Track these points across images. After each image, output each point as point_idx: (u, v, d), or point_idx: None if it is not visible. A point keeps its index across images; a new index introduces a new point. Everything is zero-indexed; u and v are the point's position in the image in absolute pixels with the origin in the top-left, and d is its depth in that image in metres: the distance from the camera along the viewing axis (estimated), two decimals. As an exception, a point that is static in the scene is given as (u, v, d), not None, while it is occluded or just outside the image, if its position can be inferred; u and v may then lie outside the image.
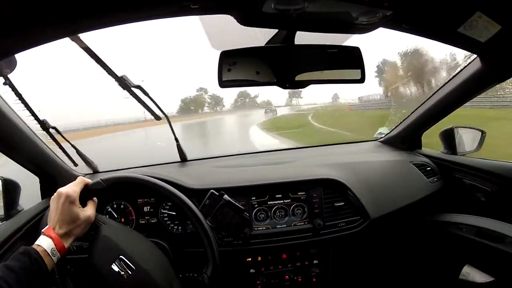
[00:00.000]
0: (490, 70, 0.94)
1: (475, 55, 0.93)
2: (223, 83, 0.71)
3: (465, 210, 1.20)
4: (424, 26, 0.74)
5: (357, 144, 1.43)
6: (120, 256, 0.66)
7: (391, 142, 1.33)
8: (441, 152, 1.26)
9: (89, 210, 0.67)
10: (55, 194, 0.66)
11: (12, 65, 0.84)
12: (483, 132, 1.28)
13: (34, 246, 0.60)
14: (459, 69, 1.07)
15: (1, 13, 0.45)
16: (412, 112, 1.23)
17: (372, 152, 1.31)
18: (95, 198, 0.72)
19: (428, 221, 1.17)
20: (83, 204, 0.68)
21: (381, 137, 1.39)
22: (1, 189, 0.95)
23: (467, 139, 1.28)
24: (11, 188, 0.96)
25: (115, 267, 0.65)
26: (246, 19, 0.61)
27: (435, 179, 1.17)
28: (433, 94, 1.18)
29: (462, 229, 1.19)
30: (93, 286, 0.66)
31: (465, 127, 1.29)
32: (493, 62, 0.90)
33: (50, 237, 0.61)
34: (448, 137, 1.24)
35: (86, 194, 0.69)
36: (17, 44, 0.55)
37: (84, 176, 1.15)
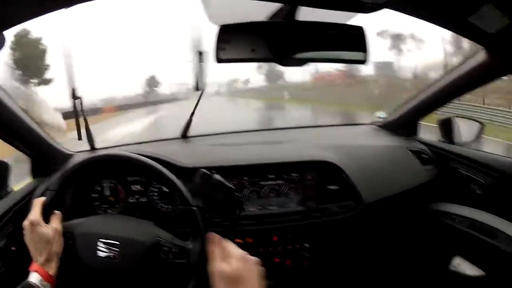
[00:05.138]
0: (495, 63, 0.92)
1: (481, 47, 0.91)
2: (219, 59, 0.68)
3: (459, 201, 1.19)
4: (434, 11, 0.71)
5: (354, 127, 1.41)
6: (100, 240, 0.66)
7: (389, 127, 1.31)
8: (439, 141, 1.24)
9: (54, 223, 0.69)
10: (24, 231, 0.68)
11: (1, 42, 0.80)
12: (481, 124, 1.26)
13: (28, 282, 0.63)
14: (463, 59, 1.05)
15: None
16: (412, 98, 1.21)
17: (369, 136, 1.29)
18: (56, 212, 0.72)
19: (421, 209, 1.15)
20: (48, 221, 0.69)
21: (379, 121, 1.37)
22: None
23: (465, 130, 1.26)
24: (1, 169, 0.92)
25: (101, 254, 0.65)
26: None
27: (431, 167, 1.16)
28: (435, 82, 1.16)
29: (455, 220, 1.18)
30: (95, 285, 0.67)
31: (464, 118, 1.27)
32: (498, 55, 0.88)
33: (36, 271, 0.64)
34: (447, 126, 1.22)
35: (46, 212, 0.70)
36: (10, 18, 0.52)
37: (78, 152, 1.13)
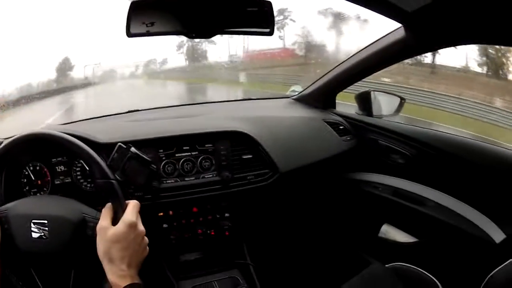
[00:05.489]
0: (413, 41, 0.97)
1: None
2: (130, 34, 0.70)
3: (381, 171, 1.25)
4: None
5: (269, 101, 1.46)
6: (32, 221, 0.66)
7: (305, 100, 1.36)
8: (356, 113, 1.31)
9: None
10: None
11: None
12: (402, 99, 1.34)
13: None
14: (382, 34, 1.09)
15: None
16: (328, 72, 1.26)
17: (285, 108, 1.34)
18: None
19: (342, 178, 1.21)
20: None
21: (294, 95, 1.42)
22: None
23: (384, 104, 1.33)
24: None
25: (35, 234, 0.65)
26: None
27: (348, 138, 1.22)
28: (352, 56, 1.21)
29: (378, 188, 1.24)
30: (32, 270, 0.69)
31: (383, 92, 1.35)
32: (417, 33, 0.93)
33: None
34: (364, 99, 1.29)
35: None
36: None
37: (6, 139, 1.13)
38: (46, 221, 0.66)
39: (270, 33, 0.75)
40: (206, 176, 1.02)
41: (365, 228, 1.29)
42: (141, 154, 0.90)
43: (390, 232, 1.28)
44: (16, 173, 1.02)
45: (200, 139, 1.02)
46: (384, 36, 1.08)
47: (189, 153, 1.02)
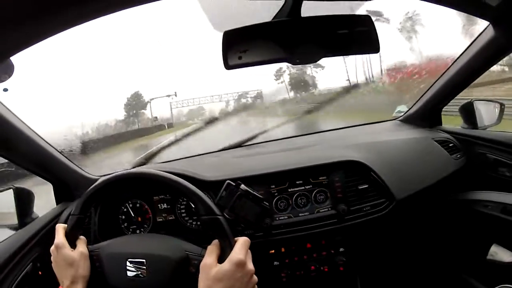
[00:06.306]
0: (504, 37, 0.88)
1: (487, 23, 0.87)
2: (229, 66, 0.67)
3: (489, 187, 1.15)
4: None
5: (376, 125, 1.38)
6: (128, 260, 0.65)
7: (411, 120, 1.28)
8: (461, 127, 1.21)
9: (79, 247, 0.69)
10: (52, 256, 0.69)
11: (10, 70, 0.80)
12: (502, 105, 1.23)
13: None
14: (472, 39, 1.02)
15: None
16: (429, 88, 1.18)
17: (392, 131, 1.26)
18: (81, 237, 0.72)
19: (452, 200, 1.12)
20: (74, 246, 0.69)
21: (400, 116, 1.34)
22: (13, 198, 0.92)
23: (486, 113, 1.22)
24: (24, 196, 0.94)
25: (130, 273, 0.64)
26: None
27: (459, 155, 1.12)
28: (448, 68, 1.13)
29: (488, 207, 1.13)
30: None
31: (484, 100, 1.24)
32: (506, 28, 0.84)
33: None
34: (468, 111, 1.18)
35: (70, 236, 0.70)
36: (15, 42, 0.50)
37: (103, 176, 1.12)
38: (144, 260, 0.65)
39: (377, 50, 0.69)
40: (321, 210, 0.95)
41: (472, 250, 1.19)
42: (252, 191, 0.85)
43: (499, 253, 1.19)
44: (113, 210, 1.01)
45: (313, 172, 0.96)
46: (475, 39, 0.99)
47: (303, 187, 0.96)
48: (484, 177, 1.16)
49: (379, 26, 0.69)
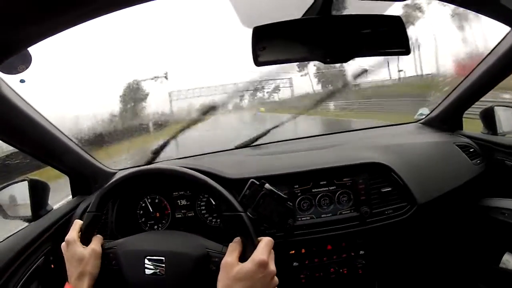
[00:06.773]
0: None
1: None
2: (259, 62, 0.65)
3: (507, 194, 1.15)
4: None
5: (397, 127, 1.37)
6: (146, 257, 0.63)
7: (432, 123, 1.27)
8: (481, 133, 1.20)
9: (93, 244, 0.67)
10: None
11: (27, 60, 0.76)
12: (523, 110, 1.22)
13: None
14: (495, 44, 1.01)
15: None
16: (452, 91, 1.17)
17: (414, 134, 1.25)
18: (98, 235, 0.70)
19: (469, 206, 1.11)
20: (88, 243, 0.67)
21: (422, 118, 1.34)
22: (28, 190, 0.90)
23: (506, 119, 1.22)
24: (39, 188, 0.92)
25: (148, 271, 0.62)
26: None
27: (479, 161, 1.11)
28: (471, 72, 1.12)
29: (505, 214, 1.13)
30: None
31: (505, 106, 1.23)
32: None
33: None
34: (488, 117, 1.17)
35: (85, 233, 0.68)
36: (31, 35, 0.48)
37: (121, 170, 1.10)
38: (163, 258, 0.63)
39: (407, 52, 0.67)
40: (343, 212, 0.94)
41: (486, 257, 1.19)
42: (276, 191, 0.83)
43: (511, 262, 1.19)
44: (131, 204, 0.99)
45: (338, 173, 0.94)
46: (498, 44, 0.99)
47: (327, 188, 0.94)
48: (502, 184, 1.16)
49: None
